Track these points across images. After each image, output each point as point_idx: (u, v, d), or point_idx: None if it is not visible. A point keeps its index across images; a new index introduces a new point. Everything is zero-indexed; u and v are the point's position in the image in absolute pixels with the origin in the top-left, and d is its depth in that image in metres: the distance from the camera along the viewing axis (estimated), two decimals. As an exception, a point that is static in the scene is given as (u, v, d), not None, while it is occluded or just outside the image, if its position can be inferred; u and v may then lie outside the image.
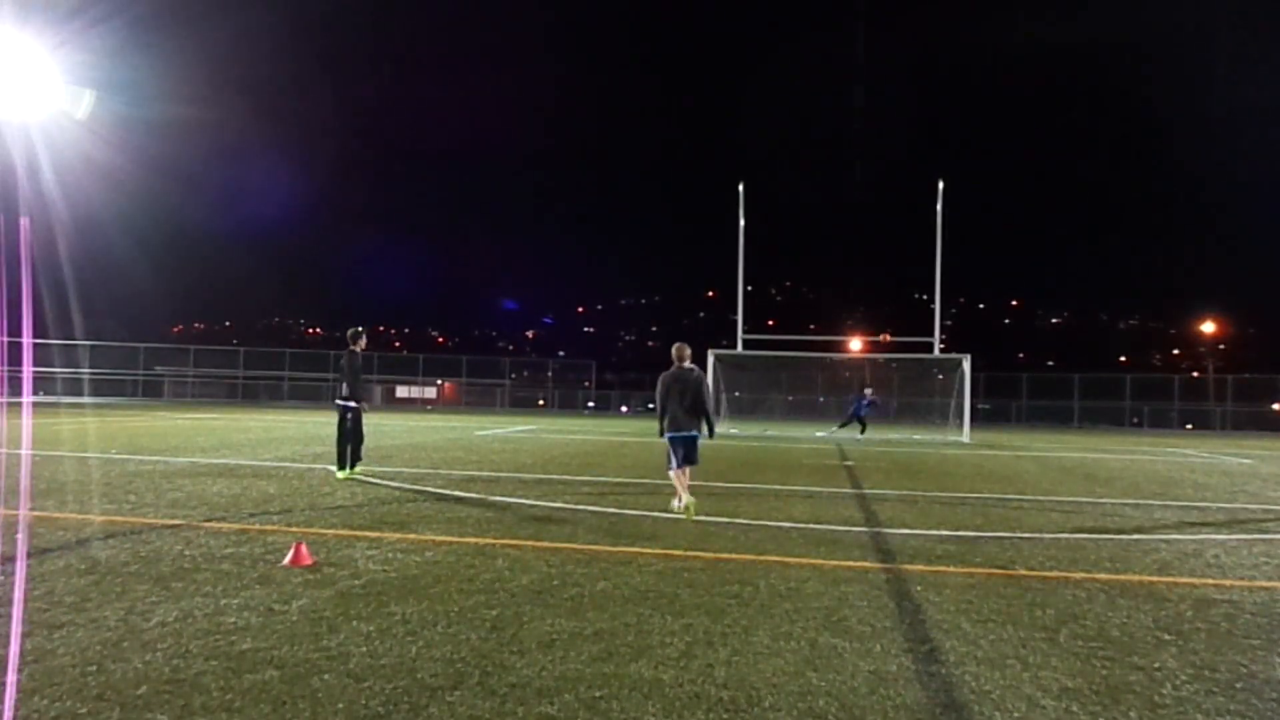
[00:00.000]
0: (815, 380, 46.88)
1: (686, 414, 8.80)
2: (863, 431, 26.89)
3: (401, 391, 55.78)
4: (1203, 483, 13.85)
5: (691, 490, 8.83)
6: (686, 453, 8.81)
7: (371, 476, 11.15)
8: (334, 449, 11.44)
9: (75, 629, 4.22)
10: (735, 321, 29.43)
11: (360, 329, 11.61)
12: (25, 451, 13.04)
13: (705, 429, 8.91)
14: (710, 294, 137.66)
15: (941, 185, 28.17)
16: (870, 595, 5.38)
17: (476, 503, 9.11)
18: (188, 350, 55.35)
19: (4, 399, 30.84)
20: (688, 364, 8.95)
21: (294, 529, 7.17)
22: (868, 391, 27.81)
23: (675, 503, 8.88)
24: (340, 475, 10.92)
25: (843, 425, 27.77)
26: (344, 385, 11.30)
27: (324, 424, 24.08)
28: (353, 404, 11.22)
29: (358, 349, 11.50)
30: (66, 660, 3.78)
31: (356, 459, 11.28)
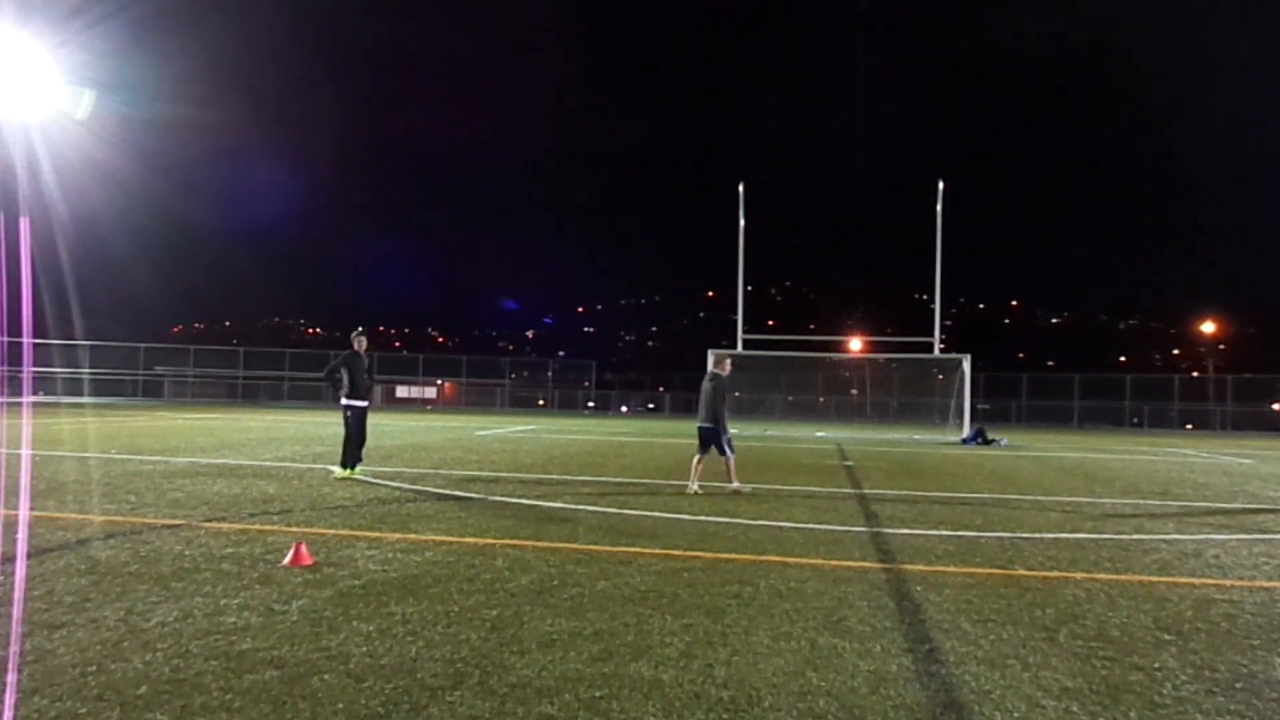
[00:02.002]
0: (815, 380, 46.91)
1: (704, 411, 10.86)
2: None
3: (401, 391, 55.75)
4: (1203, 483, 13.85)
5: (696, 491, 10.35)
6: (703, 442, 10.75)
7: (372, 476, 11.15)
8: (339, 449, 11.47)
9: (75, 629, 4.22)
10: (735, 321, 29.44)
11: (361, 329, 11.61)
12: (25, 451, 13.05)
13: (716, 424, 10.71)
14: (710, 294, 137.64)
15: (941, 185, 28.18)
16: (870, 595, 5.38)
17: (476, 503, 9.11)
18: (188, 350, 55.30)
19: (4, 399, 30.82)
20: (715, 369, 11.18)
21: (294, 529, 7.17)
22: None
23: (690, 486, 10.53)
24: (339, 475, 10.91)
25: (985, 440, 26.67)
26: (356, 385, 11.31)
27: (324, 424, 24.08)
28: (356, 403, 11.24)
29: (359, 349, 11.47)
30: (66, 660, 3.78)
31: (357, 460, 11.29)
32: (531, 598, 5.05)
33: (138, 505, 8.20)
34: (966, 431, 26.94)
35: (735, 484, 10.49)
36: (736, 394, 34.32)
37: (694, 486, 10.48)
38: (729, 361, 11.52)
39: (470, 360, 58.01)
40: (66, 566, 5.53)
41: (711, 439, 10.65)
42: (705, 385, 10.95)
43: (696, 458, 10.76)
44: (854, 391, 46.82)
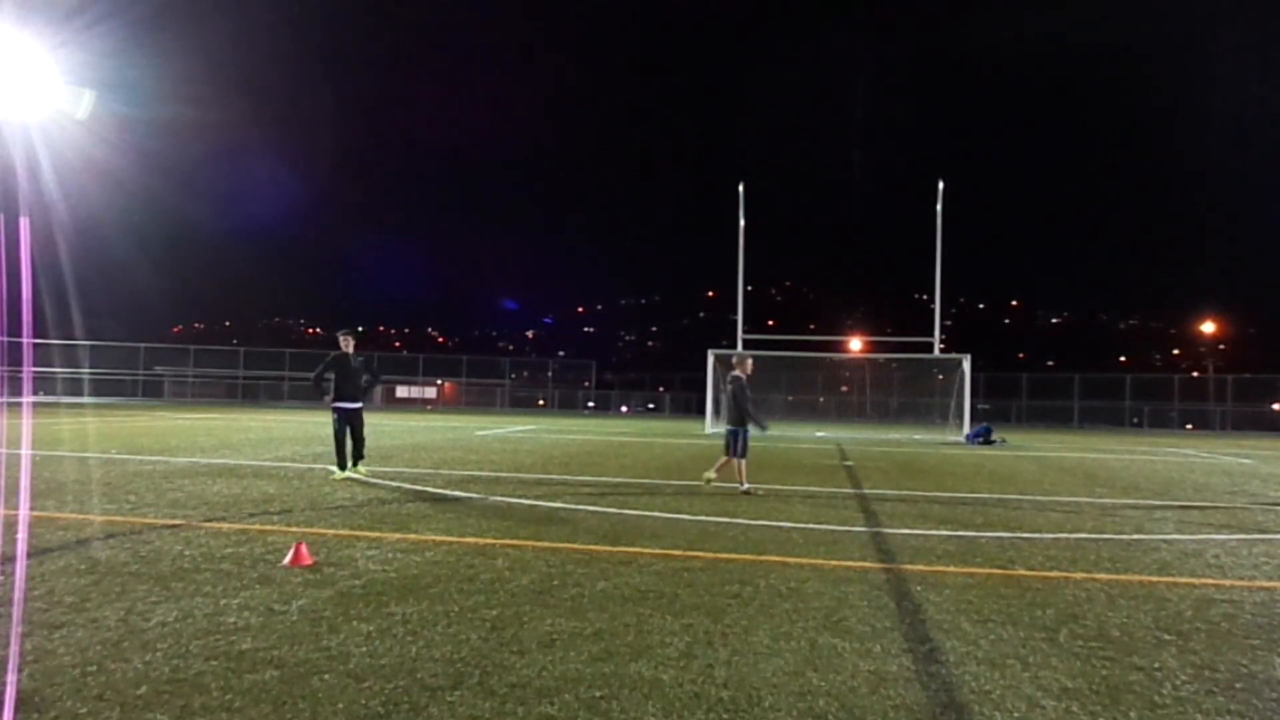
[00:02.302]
0: (815, 380, 46.91)
1: (730, 414, 11.11)
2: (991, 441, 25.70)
3: (401, 391, 55.78)
4: (1203, 483, 13.85)
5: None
6: (729, 445, 10.82)
7: (371, 476, 11.15)
8: (364, 444, 11.50)
9: (75, 629, 4.22)
10: (735, 321, 29.44)
11: (347, 330, 11.44)
12: (25, 451, 13.04)
13: (742, 425, 10.84)
14: (710, 294, 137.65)
15: (941, 185, 28.19)
16: (870, 595, 5.38)
17: (476, 503, 9.11)
18: (188, 350, 55.31)
19: (4, 399, 30.81)
20: (735, 371, 11.08)
21: (294, 529, 7.17)
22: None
23: (708, 473, 10.93)
24: (337, 476, 10.89)
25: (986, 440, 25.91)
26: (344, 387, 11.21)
27: (324, 424, 24.05)
28: (344, 405, 11.13)
29: (346, 349, 11.23)
30: (66, 660, 3.77)
31: (359, 457, 11.26)
32: (531, 598, 5.05)
33: (138, 505, 8.20)
34: (967, 430, 26.99)
35: (746, 485, 10.53)
36: (737, 394, 34.38)
37: (710, 474, 10.83)
38: (750, 361, 11.33)
39: (470, 360, 58.05)
40: (66, 566, 5.53)
41: (731, 438, 10.78)
42: (727, 388, 11.06)
43: (724, 459, 10.87)
44: (844, 388, 46.90)
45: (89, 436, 17.44)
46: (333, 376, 11.17)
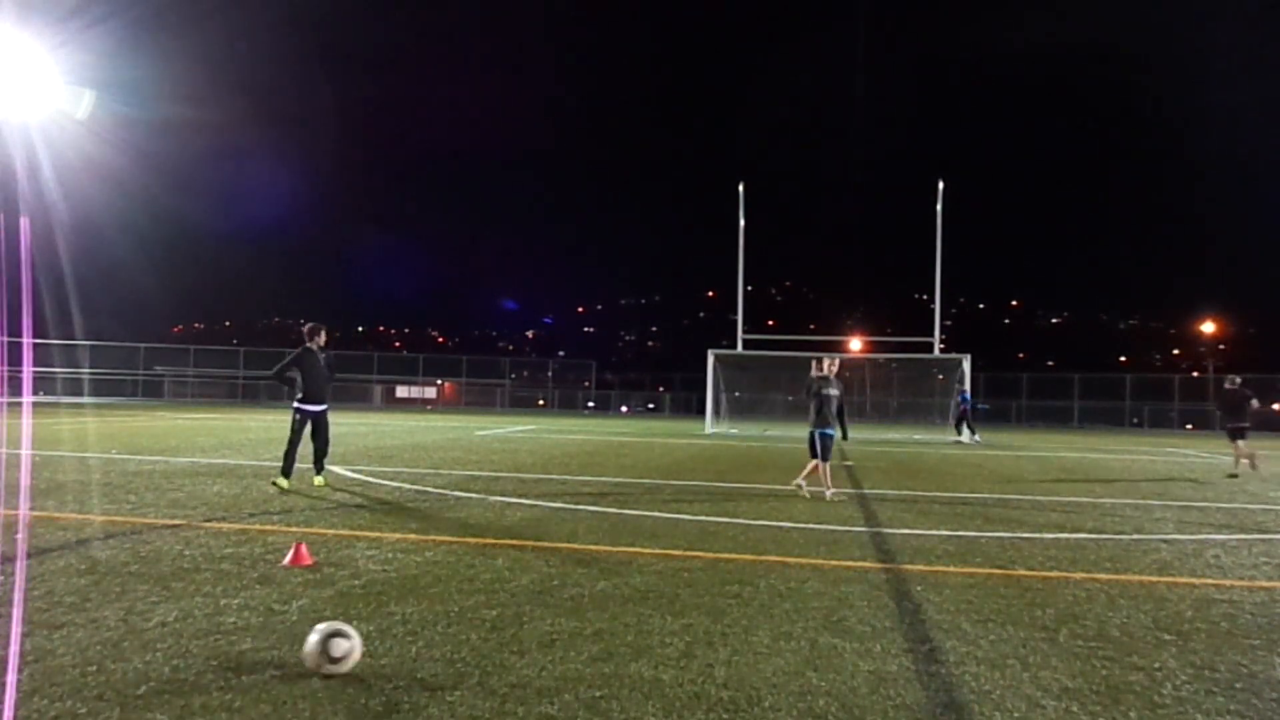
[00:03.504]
0: (815, 380, 46.86)
1: (831, 418, 10.60)
2: (973, 434, 25.85)
3: (401, 391, 55.80)
4: (1203, 483, 13.85)
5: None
6: (826, 449, 10.51)
7: (371, 476, 11.14)
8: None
9: (75, 629, 4.22)
10: (735, 321, 29.47)
11: (313, 324, 10.49)
12: (25, 451, 13.04)
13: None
14: (710, 294, 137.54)
15: (941, 185, 28.19)
16: (870, 595, 5.38)
17: (476, 503, 9.11)
18: (188, 350, 55.43)
19: (4, 399, 30.82)
20: (826, 374, 10.67)
21: (294, 529, 7.17)
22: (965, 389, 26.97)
23: (827, 492, 10.23)
24: (281, 484, 9.71)
25: (969, 429, 26.14)
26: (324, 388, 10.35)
27: (324, 424, 24.03)
28: (307, 407, 10.19)
29: (314, 344, 10.31)
30: (66, 660, 3.77)
31: (320, 468, 10.34)
32: (531, 598, 5.05)
33: (138, 505, 8.20)
34: (966, 435, 26.99)
35: (829, 489, 10.24)
36: (737, 394, 34.37)
37: (800, 481, 10.57)
38: (837, 361, 10.94)
39: (470, 360, 58.06)
40: (66, 566, 5.53)
41: (829, 444, 10.52)
42: (829, 393, 10.53)
43: (813, 464, 10.54)
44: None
45: (89, 436, 17.44)
46: (298, 374, 10.10)
